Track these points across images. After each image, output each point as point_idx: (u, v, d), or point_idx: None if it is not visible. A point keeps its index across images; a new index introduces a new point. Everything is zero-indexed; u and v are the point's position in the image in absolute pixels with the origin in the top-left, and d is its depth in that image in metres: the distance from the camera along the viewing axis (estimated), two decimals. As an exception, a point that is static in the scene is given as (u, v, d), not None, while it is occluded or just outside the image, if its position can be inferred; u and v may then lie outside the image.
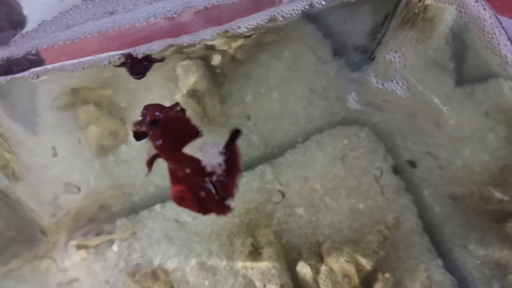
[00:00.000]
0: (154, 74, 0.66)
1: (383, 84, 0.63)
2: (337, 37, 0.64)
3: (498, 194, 0.62)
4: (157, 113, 0.47)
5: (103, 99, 0.65)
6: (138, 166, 0.69)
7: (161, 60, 0.59)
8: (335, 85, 0.66)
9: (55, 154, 0.60)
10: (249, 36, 0.61)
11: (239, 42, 0.58)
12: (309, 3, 0.53)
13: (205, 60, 0.65)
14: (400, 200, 0.67)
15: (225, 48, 0.59)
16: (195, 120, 0.68)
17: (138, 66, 0.60)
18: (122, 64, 0.57)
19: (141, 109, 0.65)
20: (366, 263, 0.60)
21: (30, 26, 0.46)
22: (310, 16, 0.61)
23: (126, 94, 0.67)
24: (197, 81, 0.64)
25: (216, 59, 0.62)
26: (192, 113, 0.68)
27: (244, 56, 0.63)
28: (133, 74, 0.61)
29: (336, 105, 0.69)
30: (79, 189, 0.64)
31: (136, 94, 0.67)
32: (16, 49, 0.47)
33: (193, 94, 0.66)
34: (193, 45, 0.54)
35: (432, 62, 0.64)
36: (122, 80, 0.65)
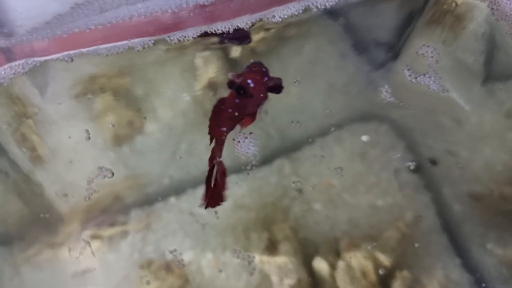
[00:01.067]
0: (172, 64, 0.65)
1: (416, 78, 0.62)
2: (360, 33, 0.63)
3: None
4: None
5: (120, 88, 0.65)
6: (153, 157, 0.69)
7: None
8: (355, 81, 0.65)
9: (88, 138, 0.60)
10: (270, 29, 0.61)
11: (261, 34, 0.58)
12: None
13: (225, 51, 0.64)
14: (419, 197, 0.66)
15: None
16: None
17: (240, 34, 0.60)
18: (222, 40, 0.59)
19: (157, 99, 0.65)
20: (384, 260, 0.60)
21: (63, 8, 0.46)
22: (334, 11, 0.60)
23: (144, 83, 0.66)
24: (217, 72, 0.64)
25: (236, 51, 0.61)
26: (210, 104, 0.67)
27: (264, 49, 0.62)
28: (240, 41, 0.61)
29: (356, 100, 0.69)
30: (112, 173, 0.64)
31: (153, 84, 0.67)
32: (50, 32, 0.46)
33: (212, 85, 0.66)
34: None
35: (459, 59, 0.63)
36: (139, 69, 0.64)
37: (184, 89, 0.66)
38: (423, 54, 0.62)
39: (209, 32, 0.57)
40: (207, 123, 0.68)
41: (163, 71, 0.65)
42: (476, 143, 0.66)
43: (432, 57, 0.62)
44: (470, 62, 0.64)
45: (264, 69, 0.57)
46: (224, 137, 0.53)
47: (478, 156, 0.65)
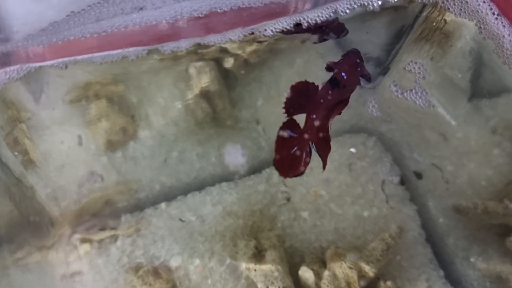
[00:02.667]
0: (166, 73, 0.66)
1: (402, 94, 0.64)
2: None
3: (501, 209, 0.63)
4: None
5: (115, 95, 0.66)
6: (145, 163, 0.70)
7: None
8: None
9: (80, 143, 0.61)
10: (263, 41, 0.62)
11: (253, 47, 0.59)
12: (333, 10, 0.54)
13: (218, 62, 0.65)
14: (404, 210, 0.68)
15: (239, 52, 0.60)
16: (205, 121, 0.69)
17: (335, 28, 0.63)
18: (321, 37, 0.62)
19: (151, 107, 0.67)
20: (369, 270, 0.61)
21: (59, 16, 0.47)
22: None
23: (137, 91, 0.67)
24: (209, 82, 0.65)
25: (229, 62, 0.63)
26: (202, 113, 0.68)
27: (257, 61, 0.64)
28: (338, 34, 0.64)
29: (345, 113, 0.70)
30: (102, 178, 0.65)
31: (146, 92, 0.68)
32: (45, 38, 0.47)
33: (204, 94, 0.67)
34: (213, 45, 0.55)
35: (447, 75, 0.65)
36: (133, 77, 0.65)
37: (176, 98, 0.68)
38: (410, 70, 0.64)
39: (303, 28, 0.58)
40: (198, 131, 0.69)
41: (156, 80, 0.66)
42: (461, 158, 0.67)
43: (419, 73, 0.63)
44: (458, 78, 0.66)
45: (358, 61, 0.60)
46: (313, 124, 0.55)
47: (463, 171, 0.67)
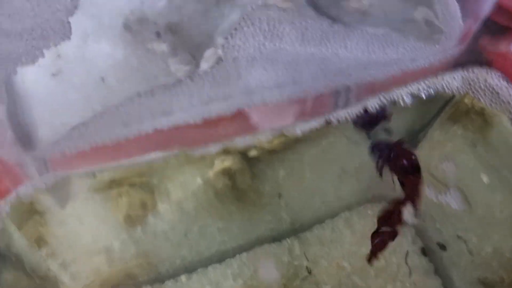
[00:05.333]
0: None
1: (437, 197, 0.63)
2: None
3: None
4: None
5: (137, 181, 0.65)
6: (165, 238, 0.69)
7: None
8: (368, 167, 0.65)
9: (100, 220, 0.60)
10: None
11: (281, 139, 0.58)
12: (364, 108, 0.53)
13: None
14: (429, 283, 0.67)
15: (265, 145, 0.59)
16: (225, 196, 0.68)
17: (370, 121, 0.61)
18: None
19: (170, 181, 0.65)
20: None
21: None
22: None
23: (157, 173, 0.66)
24: (231, 163, 0.64)
25: (253, 152, 0.62)
26: (223, 188, 0.67)
27: (281, 147, 0.63)
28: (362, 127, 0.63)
29: (367, 184, 0.69)
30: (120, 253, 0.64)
31: (166, 172, 0.66)
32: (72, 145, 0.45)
33: (226, 172, 0.66)
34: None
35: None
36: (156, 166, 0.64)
37: (197, 174, 0.67)
38: (443, 169, 0.63)
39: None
40: (219, 206, 0.68)
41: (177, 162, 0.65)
42: (485, 229, 0.66)
43: (452, 172, 0.62)
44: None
45: None
46: None
47: (488, 242, 0.66)
